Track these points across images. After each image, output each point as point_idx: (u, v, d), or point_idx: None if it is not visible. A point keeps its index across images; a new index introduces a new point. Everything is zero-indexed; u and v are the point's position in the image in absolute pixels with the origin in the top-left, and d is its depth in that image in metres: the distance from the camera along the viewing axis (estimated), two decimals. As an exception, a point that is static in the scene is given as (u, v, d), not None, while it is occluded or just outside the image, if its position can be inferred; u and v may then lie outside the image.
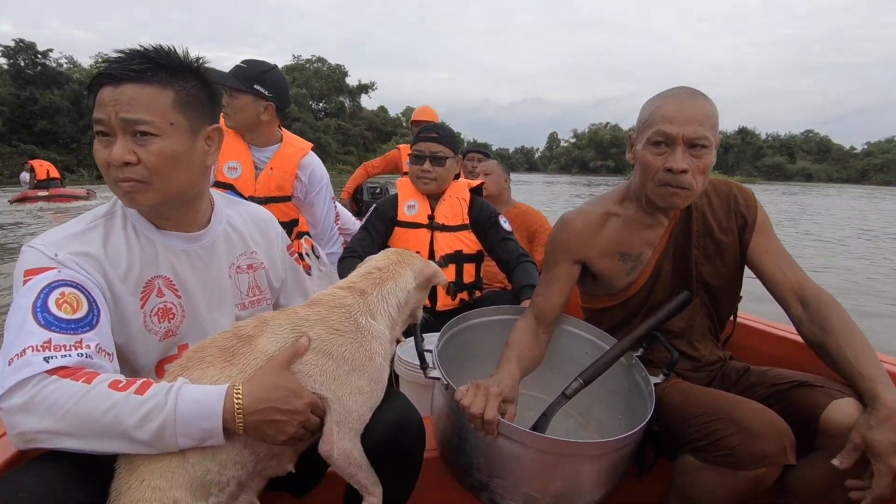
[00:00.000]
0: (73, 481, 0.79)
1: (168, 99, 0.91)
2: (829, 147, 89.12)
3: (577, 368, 1.32)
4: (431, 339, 1.36)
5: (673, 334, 1.35)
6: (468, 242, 2.17)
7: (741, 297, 1.40)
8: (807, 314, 1.21)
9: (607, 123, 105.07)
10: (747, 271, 1.35)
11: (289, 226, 2.32)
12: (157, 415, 0.80)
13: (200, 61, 0.99)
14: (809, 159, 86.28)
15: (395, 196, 2.23)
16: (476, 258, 2.21)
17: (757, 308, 1.65)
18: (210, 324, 1.06)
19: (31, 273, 0.86)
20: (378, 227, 2.16)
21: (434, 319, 1.58)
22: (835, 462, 1.02)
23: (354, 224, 3.03)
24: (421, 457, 1.12)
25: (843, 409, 1.06)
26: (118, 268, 0.95)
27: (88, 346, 0.84)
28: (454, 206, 2.18)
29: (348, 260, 2.01)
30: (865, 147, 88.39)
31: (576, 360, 1.44)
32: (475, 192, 2.25)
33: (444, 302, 2.14)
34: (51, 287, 0.85)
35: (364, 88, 61.68)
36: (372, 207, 2.24)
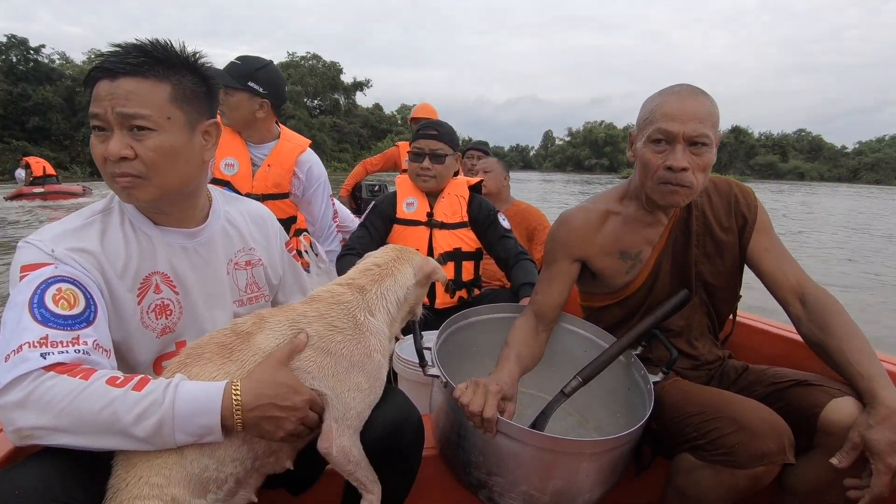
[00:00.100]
0: (71, 478, 0.78)
1: (165, 93, 0.90)
2: (821, 146, 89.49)
3: (576, 366, 1.32)
4: (430, 337, 1.36)
5: (672, 333, 1.35)
6: (467, 240, 2.17)
7: (741, 297, 1.40)
8: (806, 313, 1.21)
9: (602, 122, 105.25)
10: (747, 271, 1.35)
11: (286, 223, 2.30)
12: (154, 411, 0.79)
13: (197, 56, 0.98)
14: (801, 158, 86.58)
15: (394, 193, 2.22)
16: (475, 256, 2.21)
17: (756, 305, 1.65)
18: (208, 320, 1.05)
19: (27, 269, 0.86)
20: (377, 224, 2.16)
21: (433, 317, 1.58)
22: (833, 461, 1.03)
23: (353, 221, 3.02)
24: (420, 455, 1.12)
25: (842, 408, 1.06)
26: (115, 264, 0.94)
27: (85, 343, 0.83)
28: (453, 204, 2.17)
29: (347, 257, 2.00)
30: (857, 146, 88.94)
31: (575, 358, 1.43)
32: (474, 189, 2.24)
33: (442, 300, 2.14)
34: (47, 283, 0.84)
35: (359, 86, 61.47)
36: (371, 205, 2.23)
